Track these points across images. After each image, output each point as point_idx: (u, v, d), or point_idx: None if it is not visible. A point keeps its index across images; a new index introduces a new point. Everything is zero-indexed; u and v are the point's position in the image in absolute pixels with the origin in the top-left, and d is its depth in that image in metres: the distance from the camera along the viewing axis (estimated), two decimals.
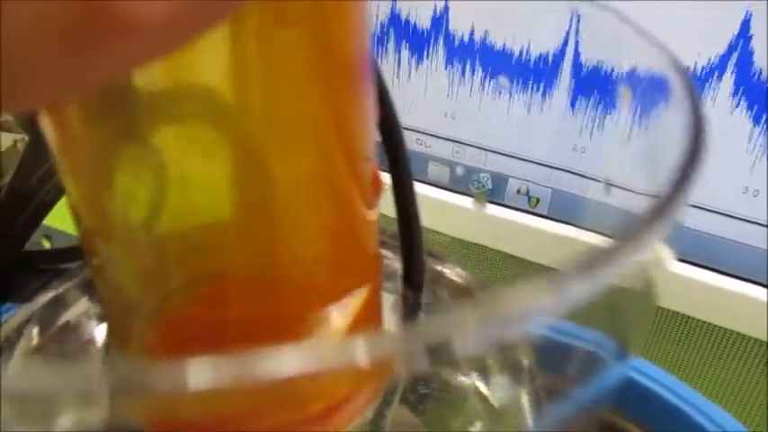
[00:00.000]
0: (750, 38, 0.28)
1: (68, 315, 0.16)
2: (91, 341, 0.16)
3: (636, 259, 0.09)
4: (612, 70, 0.15)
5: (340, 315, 0.12)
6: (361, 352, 0.07)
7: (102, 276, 0.12)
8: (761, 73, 0.28)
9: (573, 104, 0.29)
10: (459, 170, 0.35)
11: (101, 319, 0.16)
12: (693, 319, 0.34)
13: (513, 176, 0.34)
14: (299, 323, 0.12)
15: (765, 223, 0.31)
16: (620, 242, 0.08)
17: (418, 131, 0.35)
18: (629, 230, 0.09)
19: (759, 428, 0.35)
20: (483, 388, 0.16)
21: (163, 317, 0.12)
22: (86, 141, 0.11)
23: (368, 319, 0.13)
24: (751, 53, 0.28)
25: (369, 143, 0.12)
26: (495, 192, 0.35)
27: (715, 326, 0.34)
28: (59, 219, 0.16)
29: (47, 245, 0.16)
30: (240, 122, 0.10)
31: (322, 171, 0.11)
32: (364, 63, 0.11)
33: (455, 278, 0.18)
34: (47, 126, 0.11)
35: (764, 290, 0.31)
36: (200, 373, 0.06)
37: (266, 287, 0.12)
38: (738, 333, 0.33)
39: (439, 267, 0.18)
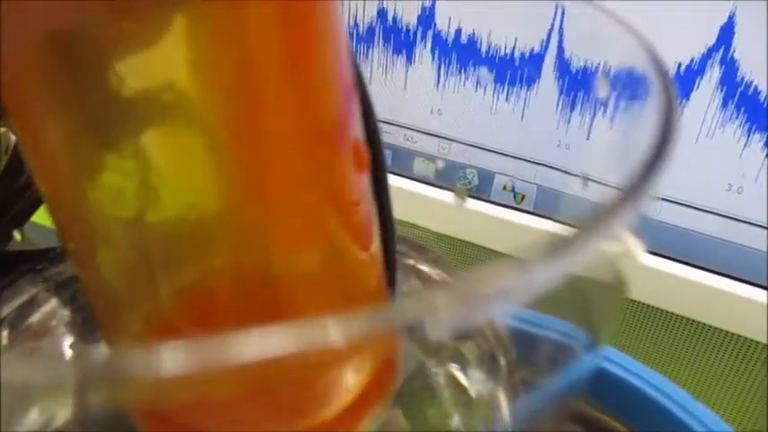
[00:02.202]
0: (735, 35, 0.28)
1: (38, 317, 0.16)
2: (60, 344, 0.16)
3: (601, 246, 0.09)
4: (595, 66, 0.16)
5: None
6: (335, 331, 0.07)
7: (89, 280, 0.12)
8: (745, 71, 0.29)
9: (558, 101, 0.30)
10: (446, 166, 0.35)
11: (70, 322, 0.16)
12: (692, 320, 0.35)
13: (498, 173, 0.34)
14: None
15: (759, 223, 0.31)
16: (584, 228, 0.08)
17: (405, 127, 0.36)
18: (594, 216, 0.09)
19: (759, 430, 0.35)
20: (461, 378, 0.16)
21: (154, 325, 0.12)
22: (66, 151, 0.11)
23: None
24: (735, 50, 0.28)
25: (356, 189, 0.12)
26: (481, 188, 0.35)
27: (714, 328, 0.34)
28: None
29: (18, 237, 0.16)
30: (217, 130, 0.10)
31: (311, 216, 0.11)
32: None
33: (431, 273, 0.18)
34: (20, 132, 0.11)
35: (764, 291, 0.31)
36: (170, 358, 0.06)
37: (258, 302, 0.12)
38: (738, 335, 0.34)
39: (414, 263, 0.18)
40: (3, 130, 0.23)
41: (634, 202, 0.09)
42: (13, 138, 0.20)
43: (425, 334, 0.07)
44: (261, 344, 0.06)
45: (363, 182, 0.12)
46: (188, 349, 0.06)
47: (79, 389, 0.06)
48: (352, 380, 0.12)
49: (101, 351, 0.15)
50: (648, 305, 0.35)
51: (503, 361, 0.16)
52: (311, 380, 0.11)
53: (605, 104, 0.16)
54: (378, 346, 0.08)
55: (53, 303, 0.16)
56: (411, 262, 0.18)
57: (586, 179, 0.16)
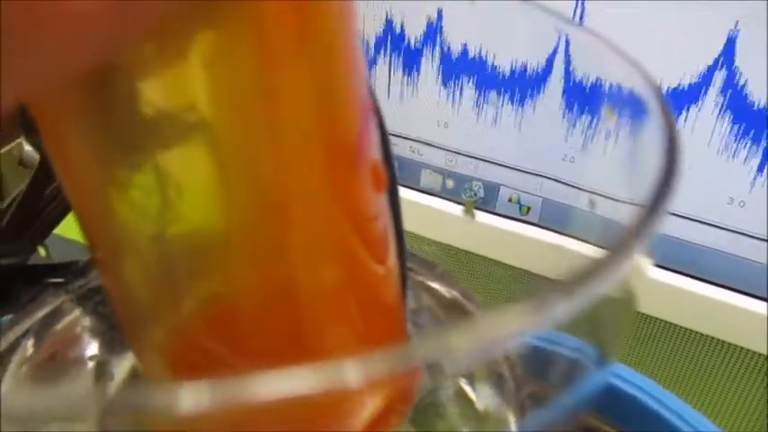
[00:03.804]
0: (737, 50, 0.28)
1: (61, 326, 0.17)
2: (82, 352, 0.16)
3: (618, 275, 0.09)
4: (597, 87, 0.16)
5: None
6: (353, 372, 0.07)
7: (115, 289, 0.12)
8: (748, 86, 0.29)
9: (563, 115, 0.30)
10: (452, 178, 0.36)
11: (92, 331, 0.16)
12: (693, 331, 0.35)
13: (504, 185, 0.35)
14: (315, 357, 0.12)
15: (761, 236, 0.31)
16: (603, 263, 0.09)
17: (412, 140, 0.36)
18: (611, 249, 0.09)
19: None
20: (470, 393, 0.16)
21: (177, 335, 0.12)
22: (92, 166, 0.11)
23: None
24: (737, 66, 0.29)
25: (374, 204, 0.12)
26: (486, 200, 0.35)
27: (715, 339, 0.34)
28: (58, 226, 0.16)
29: (42, 252, 0.17)
30: (237, 149, 0.10)
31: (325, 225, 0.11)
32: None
33: (442, 291, 0.18)
34: (49, 146, 0.11)
35: (764, 303, 0.31)
36: (189, 397, 0.06)
37: (278, 315, 0.12)
38: (739, 346, 0.34)
39: (424, 279, 0.18)
40: (15, 142, 0.23)
41: (648, 230, 0.09)
42: (26, 148, 0.21)
43: (443, 372, 0.07)
44: (279, 384, 0.07)
45: (381, 198, 0.13)
46: (207, 389, 0.06)
47: (100, 420, 0.06)
48: (370, 403, 0.12)
49: (124, 365, 0.15)
50: (650, 316, 0.35)
51: (509, 377, 0.16)
52: (328, 413, 0.11)
53: (607, 124, 0.16)
54: (396, 382, 0.08)
55: (76, 313, 0.16)
56: (420, 278, 0.18)
57: (594, 194, 0.17)
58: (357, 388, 0.07)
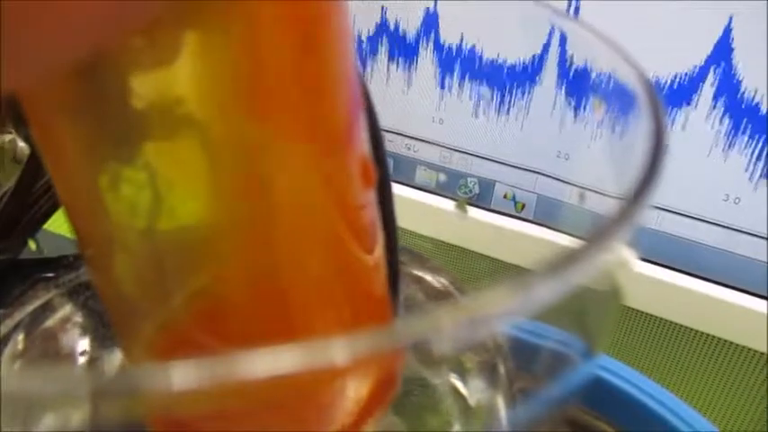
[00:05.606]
0: (731, 47, 0.28)
1: (52, 321, 0.17)
2: (73, 348, 0.17)
3: (600, 262, 0.09)
4: (590, 82, 0.16)
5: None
6: (340, 350, 0.07)
7: (105, 285, 0.12)
8: (744, 82, 0.29)
9: (557, 111, 0.30)
10: (447, 175, 0.36)
11: (83, 326, 0.17)
12: (692, 329, 0.35)
13: (499, 181, 0.35)
14: None
15: (756, 233, 0.31)
16: (584, 246, 0.09)
17: (407, 137, 0.36)
18: (593, 235, 0.09)
19: None
20: (461, 388, 0.16)
21: (166, 331, 0.12)
22: (83, 162, 0.11)
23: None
24: (732, 62, 0.29)
25: (362, 193, 0.12)
26: (482, 196, 0.35)
27: (715, 337, 0.34)
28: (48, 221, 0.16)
29: (33, 246, 0.17)
30: (225, 142, 0.11)
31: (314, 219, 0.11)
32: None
33: (433, 282, 0.18)
34: (40, 142, 0.11)
35: (763, 301, 0.31)
36: (180, 375, 0.06)
37: (266, 309, 0.12)
38: (738, 345, 0.34)
39: (416, 272, 0.18)
40: (9, 138, 0.23)
41: (631, 218, 0.09)
42: (20, 144, 0.21)
43: (430, 352, 0.07)
44: (269, 362, 0.07)
45: (370, 194, 0.13)
46: (198, 367, 0.07)
47: (93, 402, 0.07)
48: (356, 389, 0.12)
49: (115, 360, 0.15)
50: (649, 314, 0.35)
51: (503, 370, 0.16)
52: (318, 393, 0.11)
53: (597, 118, 0.16)
54: (383, 362, 0.08)
55: (67, 309, 0.17)
56: (413, 271, 0.18)
57: (583, 189, 0.17)
58: (344, 367, 0.07)
